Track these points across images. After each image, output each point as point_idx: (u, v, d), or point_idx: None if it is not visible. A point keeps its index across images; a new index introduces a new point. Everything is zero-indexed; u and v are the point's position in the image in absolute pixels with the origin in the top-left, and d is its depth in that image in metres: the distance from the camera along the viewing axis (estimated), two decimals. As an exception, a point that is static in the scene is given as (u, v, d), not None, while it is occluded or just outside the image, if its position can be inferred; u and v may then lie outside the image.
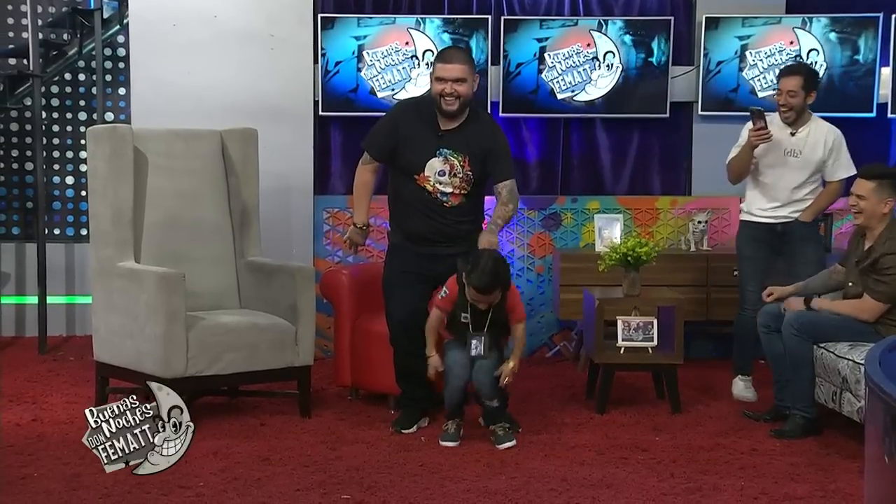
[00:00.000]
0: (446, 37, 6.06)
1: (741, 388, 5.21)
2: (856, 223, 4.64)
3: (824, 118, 5.16)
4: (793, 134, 5.05)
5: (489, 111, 6.12)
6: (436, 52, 4.68)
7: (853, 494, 3.80)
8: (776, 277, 5.01)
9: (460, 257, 4.41)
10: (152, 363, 4.57)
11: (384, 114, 4.84)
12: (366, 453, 4.31)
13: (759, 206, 5.14)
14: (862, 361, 4.10)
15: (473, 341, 4.42)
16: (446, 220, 4.60)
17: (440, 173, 4.56)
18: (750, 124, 4.98)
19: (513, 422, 4.60)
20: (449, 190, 4.57)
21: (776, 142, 5.00)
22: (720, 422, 4.81)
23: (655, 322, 4.99)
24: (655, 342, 4.97)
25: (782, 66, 5.53)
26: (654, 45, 6.16)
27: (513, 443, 4.43)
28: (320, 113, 6.19)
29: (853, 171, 5.01)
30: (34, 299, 6.36)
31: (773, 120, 5.05)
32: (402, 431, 4.59)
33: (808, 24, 6.11)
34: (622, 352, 4.99)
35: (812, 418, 4.57)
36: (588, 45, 6.15)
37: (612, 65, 6.18)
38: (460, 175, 4.57)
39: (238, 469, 4.07)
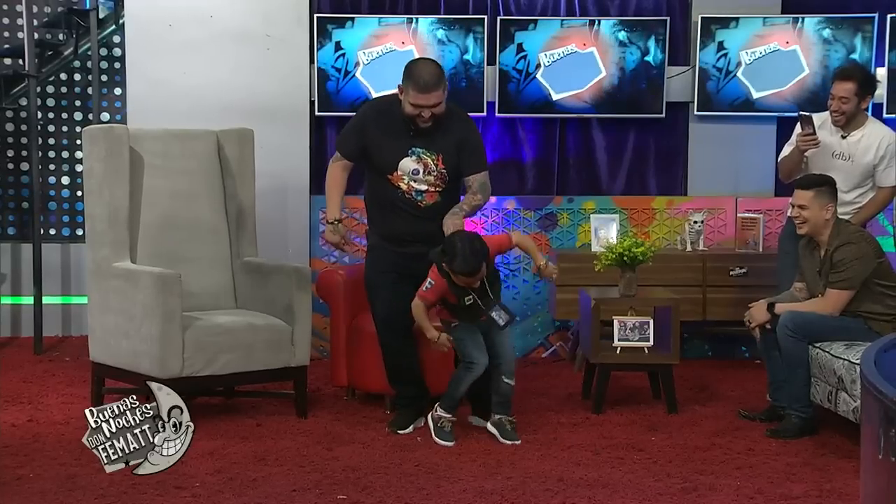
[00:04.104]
0: (441, 33, 6.08)
1: None
2: (801, 233, 4.68)
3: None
4: (844, 137, 4.98)
5: (485, 111, 6.14)
6: (412, 70, 4.42)
7: (849, 494, 3.80)
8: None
9: (431, 251, 4.35)
10: (148, 363, 4.56)
11: (354, 114, 4.77)
12: (362, 453, 4.31)
13: None
14: (857, 361, 4.10)
15: (494, 314, 4.39)
16: (422, 220, 4.54)
17: (414, 172, 4.51)
18: (799, 128, 4.96)
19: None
20: (424, 188, 4.53)
21: (825, 145, 4.94)
22: (716, 421, 4.82)
23: (651, 322, 4.99)
24: (651, 342, 4.98)
25: (836, 69, 5.42)
26: (650, 45, 6.17)
27: (518, 441, 4.44)
28: (316, 113, 6.18)
29: None
30: (30, 299, 6.35)
31: (825, 121, 5.00)
32: (399, 432, 4.59)
33: (802, 23, 6.13)
34: (618, 352, 4.99)
35: (808, 418, 4.58)
36: (584, 45, 6.15)
37: (607, 65, 6.18)
38: (434, 173, 4.53)
39: (234, 469, 4.07)
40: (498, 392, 4.52)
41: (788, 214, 5.17)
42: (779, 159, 5.22)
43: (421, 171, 4.51)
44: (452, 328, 4.48)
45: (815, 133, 4.88)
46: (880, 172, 4.99)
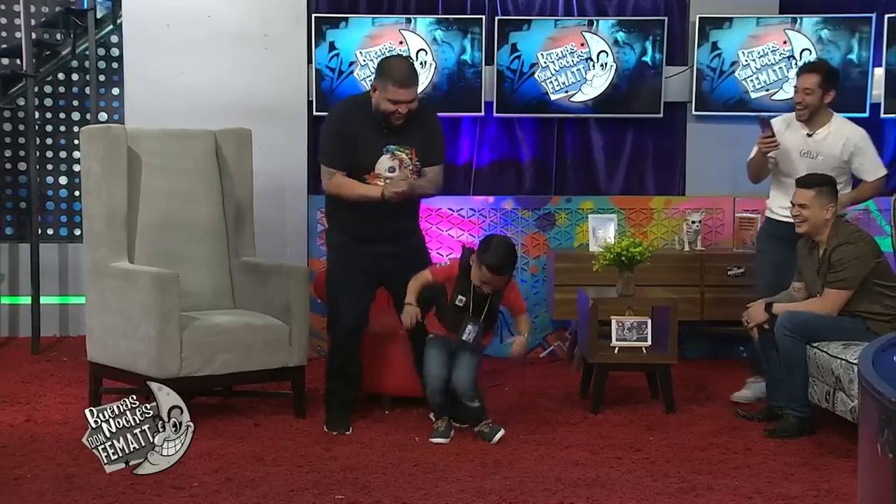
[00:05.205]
0: (438, 34, 6.09)
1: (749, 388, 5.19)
2: (800, 232, 4.69)
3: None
4: (809, 135, 4.98)
5: (483, 111, 6.14)
6: (389, 67, 4.45)
7: (847, 493, 3.81)
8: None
9: (466, 247, 4.44)
10: (146, 363, 4.56)
11: (326, 123, 4.68)
12: (360, 453, 4.31)
13: (779, 205, 5.05)
14: (855, 361, 4.10)
15: (469, 326, 4.39)
16: (390, 217, 4.51)
17: (390, 170, 4.51)
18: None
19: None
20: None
21: (790, 143, 4.95)
22: (714, 421, 4.82)
23: (649, 322, 5.00)
24: (649, 342, 4.98)
25: (802, 63, 5.47)
26: (648, 45, 6.17)
27: (502, 433, 4.45)
28: (314, 113, 6.18)
29: (883, 172, 5.01)
30: (27, 300, 6.34)
31: (791, 122, 5.02)
32: (347, 433, 4.56)
33: (800, 23, 6.13)
34: (616, 351, 4.99)
35: (805, 418, 4.58)
36: (581, 45, 6.16)
37: (605, 65, 6.18)
38: (409, 167, 4.53)
39: (232, 469, 4.07)
40: (468, 412, 4.55)
41: (766, 215, 5.20)
42: (746, 161, 5.20)
43: (397, 168, 4.52)
44: (428, 339, 4.51)
45: (773, 135, 4.90)
46: (859, 169, 5.00)
